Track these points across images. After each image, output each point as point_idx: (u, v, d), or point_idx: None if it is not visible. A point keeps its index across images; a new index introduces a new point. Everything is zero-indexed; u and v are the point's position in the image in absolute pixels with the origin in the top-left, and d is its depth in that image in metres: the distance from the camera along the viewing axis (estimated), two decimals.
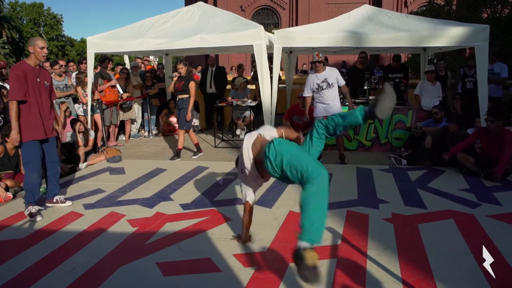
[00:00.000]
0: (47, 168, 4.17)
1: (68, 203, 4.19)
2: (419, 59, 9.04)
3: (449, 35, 5.56)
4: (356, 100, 6.85)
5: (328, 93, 5.53)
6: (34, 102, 3.83)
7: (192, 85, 5.93)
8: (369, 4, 21.58)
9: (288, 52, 8.23)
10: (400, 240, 3.19)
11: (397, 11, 20.90)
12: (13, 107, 3.68)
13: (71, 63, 8.30)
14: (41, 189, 4.58)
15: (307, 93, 5.70)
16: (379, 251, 3.00)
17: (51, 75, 6.76)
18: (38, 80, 3.87)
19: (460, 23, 5.98)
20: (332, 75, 5.52)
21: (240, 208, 3.93)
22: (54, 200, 4.14)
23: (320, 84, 5.51)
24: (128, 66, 10.25)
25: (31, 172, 3.88)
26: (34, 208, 3.84)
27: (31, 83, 3.79)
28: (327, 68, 5.60)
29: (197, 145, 6.28)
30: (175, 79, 5.92)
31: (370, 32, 5.81)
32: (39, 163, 3.94)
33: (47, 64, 7.85)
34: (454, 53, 10.19)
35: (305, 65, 17.38)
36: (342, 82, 5.63)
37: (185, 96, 5.93)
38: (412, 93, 8.49)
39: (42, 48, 3.83)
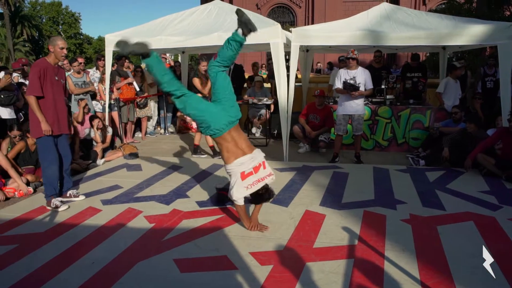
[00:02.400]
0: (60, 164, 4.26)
1: (81, 197, 4.28)
2: (437, 58, 8.87)
3: (470, 33, 5.43)
4: (373, 100, 6.78)
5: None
6: (51, 99, 3.95)
7: None
8: (386, 1, 21.32)
9: (305, 50, 8.18)
10: (418, 242, 3.14)
11: (415, 9, 20.59)
12: (32, 101, 3.81)
13: (65, 61, 8.29)
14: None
15: (338, 85, 5.65)
16: (397, 252, 2.97)
17: (70, 72, 6.94)
18: (56, 78, 4.00)
19: (482, 20, 5.84)
20: (362, 76, 5.48)
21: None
22: (68, 195, 4.23)
23: (348, 81, 5.47)
24: (143, 64, 10.32)
25: (51, 165, 4.00)
26: (57, 200, 3.99)
27: (49, 80, 3.90)
28: (360, 68, 5.56)
29: (212, 147, 6.21)
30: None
31: (389, 31, 5.72)
32: (57, 156, 4.06)
33: (66, 62, 7.99)
34: (474, 52, 9.98)
35: (319, 64, 17.23)
36: (370, 85, 5.58)
37: None
38: (431, 93, 8.36)
39: (62, 48, 3.92)
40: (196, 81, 6.00)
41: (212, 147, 6.17)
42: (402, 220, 3.58)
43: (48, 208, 3.97)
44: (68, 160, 4.28)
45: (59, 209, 3.91)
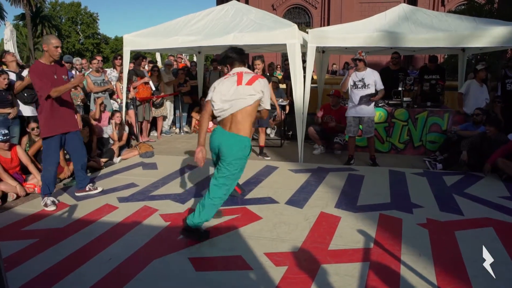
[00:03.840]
0: (73, 161, 4.35)
1: (99, 188, 4.41)
2: (456, 60, 8.72)
3: (491, 35, 5.32)
4: (390, 102, 6.70)
5: (361, 93, 5.45)
6: (54, 99, 3.94)
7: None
8: (404, 2, 21.08)
9: (321, 51, 8.14)
10: (435, 247, 3.09)
11: (433, 10, 20.31)
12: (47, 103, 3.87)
13: (84, 60, 8.41)
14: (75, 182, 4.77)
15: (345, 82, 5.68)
16: (413, 256, 2.93)
17: (89, 71, 7.06)
18: (55, 77, 3.95)
19: (504, 22, 5.72)
20: (371, 77, 5.44)
21: (270, 207, 3.94)
22: (87, 189, 4.35)
23: (356, 83, 5.45)
24: (160, 63, 10.44)
25: (49, 166, 4.03)
26: (49, 199, 4.03)
27: (49, 81, 3.88)
28: (368, 69, 5.52)
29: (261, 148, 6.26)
30: None
31: (407, 32, 5.65)
32: (58, 157, 4.11)
33: (84, 61, 8.14)
34: (495, 54, 9.78)
35: (335, 65, 17.12)
36: (381, 86, 5.51)
37: None
38: (449, 95, 8.23)
39: (57, 47, 3.88)
40: None
41: (261, 147, 6.22)
42: (419, 224, 3.54)
43: (42, 205, 4.02)
44: (81, 156, 4.30)
45: (47, 208, 3.95)
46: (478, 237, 3.27)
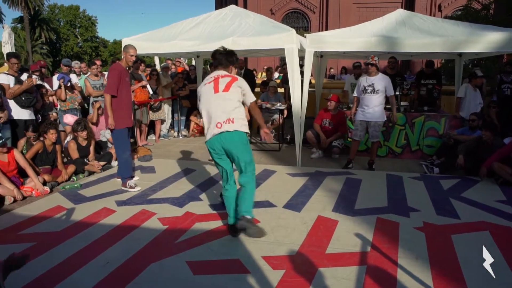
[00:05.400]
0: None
1: (137, 188, 4.71)
2: (453, 65, 8.79)
3: (487, 40, 5.36)
4: (387, 106, 6.73)
5: (369, 98, 5.47)
6: (125, 96, 4.63)
7: None
8: (402, 7, 21.18)
9: (319, 56, 8.18)
10: (432, 250, 3.11)
11: (430, 15, 20.43)
12: (108, 99, 4.48)
13: (83, 64, 8.38)
14: (76, 185, 4.79)
15: (355, 94, 5.78)
16: (410, 260, 2.94)
17: (87, 75, 7.07)
18: (127, 79, 4.69)
19: (500, 27, 5.77)
20: (381, 82, 5.44)
21: (268, 211, 3.95)
22: (129, 185, 4.69)
23: (366, 87, 5.47)
24: (158, 67, 10.46)
25: (126, 152, 4.74)
26: (132, 182, 4.70)
27: (123, 81, 4.58)
28: (380, 74, 5.53)
29: None
30: None
31: (404, 37, 5.69)
32: (129, 144, 4.86)
33: (83, 65, 8.15)
34: (491, 59, 9.85)
35: (332, 69, 17.18)
36: (391, 92, 5.52)
37: None
38: (445, 100, 8.28)
39: (132, 55, 4.61)
40: None
41: None
42: (416, 228, 3.55)
43: (123, 188, 4.65)
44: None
45: (133, 189, 4.61)
46: (474, 241, 3.29)
